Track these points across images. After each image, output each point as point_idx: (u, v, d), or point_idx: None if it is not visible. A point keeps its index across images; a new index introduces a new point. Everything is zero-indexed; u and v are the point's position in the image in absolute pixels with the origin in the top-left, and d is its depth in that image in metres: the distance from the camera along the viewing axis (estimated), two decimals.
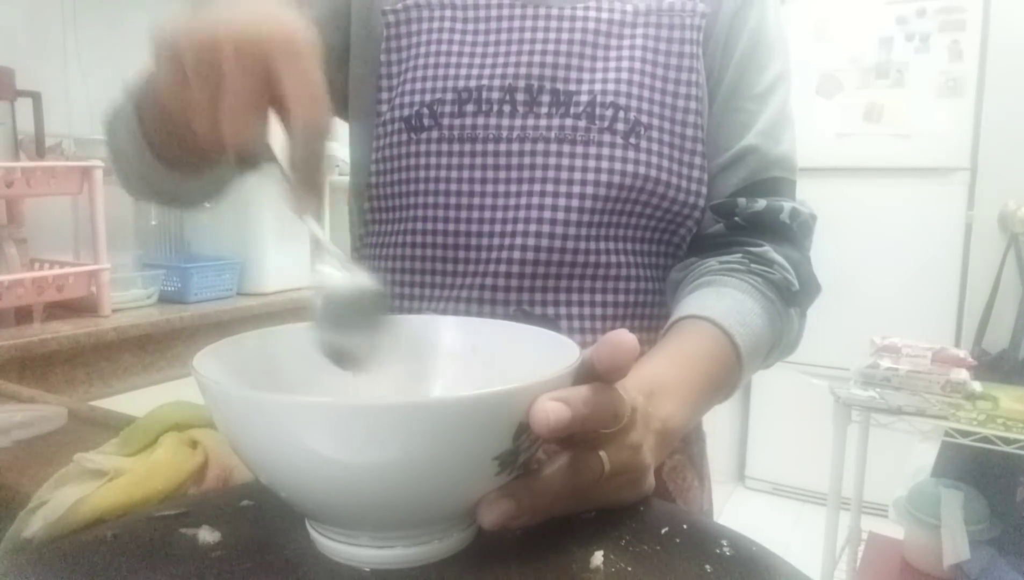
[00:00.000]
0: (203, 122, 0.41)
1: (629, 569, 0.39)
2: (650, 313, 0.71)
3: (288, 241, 2.02)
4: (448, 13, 0.70)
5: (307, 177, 0.40)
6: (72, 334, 1.49)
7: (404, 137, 0.68)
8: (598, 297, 0.67)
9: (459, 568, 0.39)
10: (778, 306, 0.66)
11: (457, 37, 0.70)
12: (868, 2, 2.65)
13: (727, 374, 0.60)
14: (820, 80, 2.71)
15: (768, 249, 0.68)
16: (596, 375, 0.41)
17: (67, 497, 0.46)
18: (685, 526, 0.44)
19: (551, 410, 0.36)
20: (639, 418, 0.45)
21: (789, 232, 0.71)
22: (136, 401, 1.39)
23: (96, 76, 1.92)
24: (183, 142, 0.55)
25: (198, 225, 2.03)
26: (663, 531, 0.43)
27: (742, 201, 0.69)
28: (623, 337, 0.40)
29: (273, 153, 0.41)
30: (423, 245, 0.69)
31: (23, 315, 1.56)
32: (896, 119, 2.63)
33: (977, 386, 1.72)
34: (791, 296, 0.68)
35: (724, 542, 0.42)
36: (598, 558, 0.39)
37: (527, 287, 0.66)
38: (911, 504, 1.84)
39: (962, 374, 1.73)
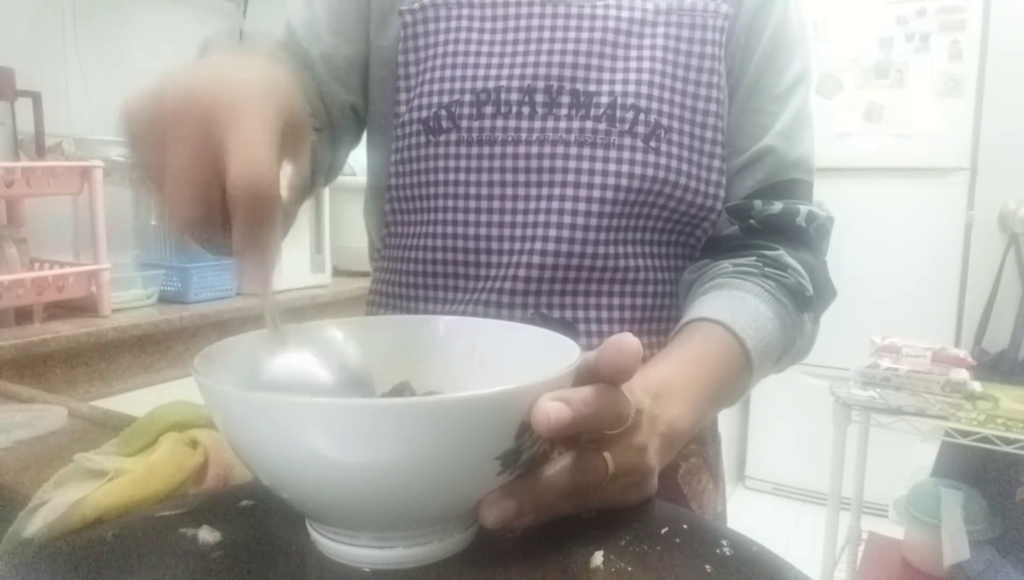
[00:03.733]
0: (159, 199, 0.37)
1: (629, 569, 0.39)
2: (667, 315, 0.70)
3: (287, 241, 2.02)
4: (466, 12, 0.69)
5: (252, 253, 0.36)
6: (72, 334, 1.49)
7: (422, 139, 0.68)
8: (616, 300, 0.67)
9: (459, 568, 0.39)
10: (791, 311, 0.66)
11: (475, 36, 0.69)
12: (868, 2, 2.65)
13: (736, 378, 0.60)
14: (820, 80, 2.71)
15: (783, 253, 0.67)
16: (601, 378, 0.40)
17: (67, 497, 0.46)
18: (685, 526, 0.44)
19: (551, 410, 0.36)
20: (645, 420, 0.45)
21: (805, 235, 0.70)
22: (136, 401, 1.38)
23: (96, 76, 1.92)
24: None
25: None
26: (663, 531, 0.43)
27: (758, 203, 0.69)
28: (627, 340, 0.40)
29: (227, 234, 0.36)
30: (443, 248, 0.68)
31: (23, 315, 1.56)
32: (896, 119, 2.63)
33: (977, 386, 1.72)
34: (804, 301, 0.67)
35: (724, 542, 0.42)
36: (598, 558, 0.39)
37: (545, 290, 0.66)
38: (911, 504, 1.84)
39: (962, 374, 1.73)
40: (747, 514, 2.73)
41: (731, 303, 0.62)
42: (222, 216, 0.36)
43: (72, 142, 1.83)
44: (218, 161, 0.35)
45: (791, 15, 0.71)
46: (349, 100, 0.74)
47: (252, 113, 0.35)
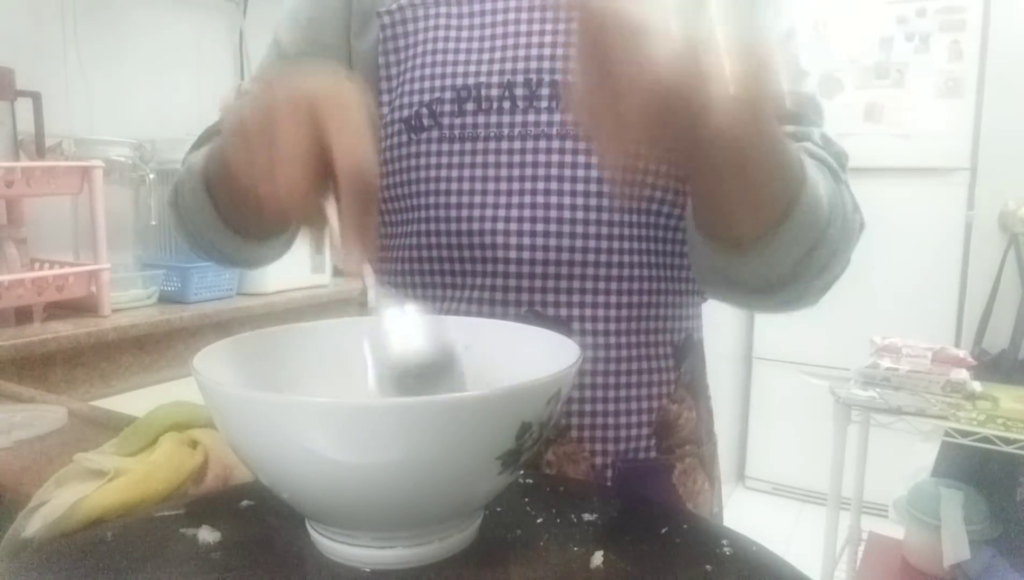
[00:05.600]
0: (266, 183, 0.43)
1: (629, 569, 0.39)
2: (662, 313, 0.70)
3: None
4: (443, 11, 0.70)
5: (356, 227, 0.42)
6: (72, 334, 1.49)
7: (405, 138, 0.68)
8: (612, 298, 0.66)
9: (459, 568, 0.39)
10: (828, 176, 0.60)
11: (453, 35, 0.69)
12: (868, 2, 2.65)
13: (791, 172, 0.53)
14: (820, 80, 2.71)
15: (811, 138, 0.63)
16: None
17: (67, 497, 0.46)
18: (685, 526, 0.44)
19: None
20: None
21: (823, 158, 0.63)
22: (136, 401, 1.38)
23: (96, 76, 1.92)
24: (252, 213, 0.58)
25: None
26: (663, 531, 0.43)
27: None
28: None
29: (326, 214, 0.44)
30: (429, 246, 0.68)
31: (23, 315, 1.56)
32: (896, 119, 2.63)
33: (977, 386, 1.72)
34: (840, 174, 0.62)
35: (724, 542, 0.42)
36: (598, 558, 0.39)
37: (539, 287, 0.66)
38: (911, 504, 1.84)
39: (962, 374, 1.73)
40: (747, 514, 2.73)
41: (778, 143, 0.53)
42: (323, 193, 0.43)
43: (72, 142, 1.84)
44: (324, 144, 0.41)
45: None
46: None
47: (351, 107, 0.43)
